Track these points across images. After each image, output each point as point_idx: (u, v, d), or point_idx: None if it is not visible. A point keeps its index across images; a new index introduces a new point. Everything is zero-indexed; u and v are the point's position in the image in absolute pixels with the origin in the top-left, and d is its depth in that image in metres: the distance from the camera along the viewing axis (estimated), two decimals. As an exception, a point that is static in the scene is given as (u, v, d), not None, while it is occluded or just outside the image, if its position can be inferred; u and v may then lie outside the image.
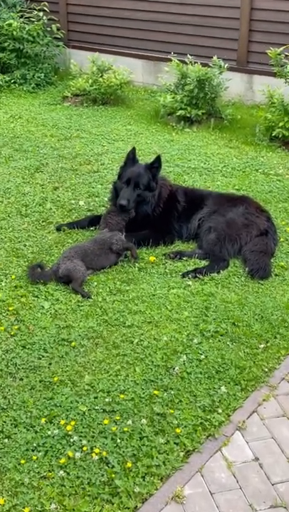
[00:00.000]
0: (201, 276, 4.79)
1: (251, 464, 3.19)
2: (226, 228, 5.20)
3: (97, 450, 3.18)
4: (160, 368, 3.81)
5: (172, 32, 9.97)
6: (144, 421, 3.37)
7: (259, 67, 9.14)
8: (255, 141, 7.86)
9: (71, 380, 3.68)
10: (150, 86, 10.31)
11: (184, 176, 6.72)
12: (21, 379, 3.70)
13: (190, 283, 4.71)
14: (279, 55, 7.69)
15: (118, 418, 3.40)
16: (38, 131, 8.14)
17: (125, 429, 3.31)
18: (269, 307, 4.46)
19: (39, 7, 10.40)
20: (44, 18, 10.35)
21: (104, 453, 3.17)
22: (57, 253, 5.04)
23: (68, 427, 3.30)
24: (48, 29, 10.53)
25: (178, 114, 8.38)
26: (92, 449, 3.20)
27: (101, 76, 9.28)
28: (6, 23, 10.04)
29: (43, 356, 3.89)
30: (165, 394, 3.59)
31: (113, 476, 3.05)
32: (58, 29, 10.61)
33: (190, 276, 4.79)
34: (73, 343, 3.99)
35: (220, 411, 3.49)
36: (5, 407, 3.48)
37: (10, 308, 4.32)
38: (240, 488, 3.04)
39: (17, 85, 10.08)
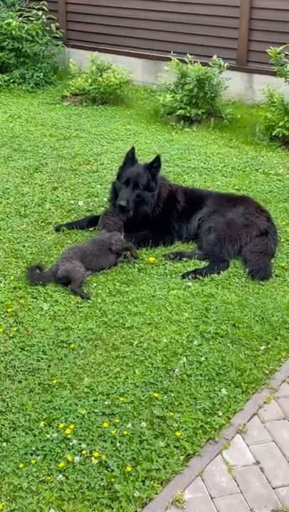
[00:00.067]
0: (201, 277, 4.76)
1: (252, 468, 3.16)
2: (226, 228, 5.17)
3: (96, 454, 3.15)
4: (160, 370, 3.78)
5: (172, 31, 9.94)
6: (143, 424, 3.34)
7: (259, 67, 9.11)
8: (255, 140, 7.83)
9: (70, 383, 3.65)
10: (150, 85, 10.28)
11: (184, 176, 6.69)
12: (20, 381, 3.67)
13: (190, 284, 4.68)
14: (279, 54, 7.66)
15: (118, 421, 3.37)
16: (37, 130, 8.11)
17: (125, 432, 3.28)
18: (270, 308, 4.43)
19: (38, 6, 10.37)
20: (43, 17, 10.32)
21: (103, 457, 3.14)
22: (56, 254, 5.01)
23: (67, 431, 3.27)
24: (47, 28, 10.50)
25: (178, 113, 8.36)
26: (91, 452, 3.17)
27: (100, 75, 9.25)
28: (5, 22, 10.01)
29: (41, 358, 3.86)
30: (165, 396, 3.56)
31: (113, 480, 3.02)
32: (57, 28, 10.58)
33: (190, 277, 4.76)
34: (72, 345, 3.96)
35: (220, 414, 3.46)
36: (3, 410, 3.45)
37: (8, 310, 4.29)
38: (241, 493, 3.01)
39: (16, 85, 10.06)
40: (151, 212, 5.28)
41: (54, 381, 3.65)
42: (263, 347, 4.04)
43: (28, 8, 10.70)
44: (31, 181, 6.47)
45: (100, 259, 4.79)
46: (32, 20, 10.36)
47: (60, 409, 3.44)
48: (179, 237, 5.37)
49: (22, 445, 3.22)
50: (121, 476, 3.05)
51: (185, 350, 3.96)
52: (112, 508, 2.90)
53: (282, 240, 5.38)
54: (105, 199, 5.91)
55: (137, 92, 10.05)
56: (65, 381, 3.66)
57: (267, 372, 3.83)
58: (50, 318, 4.24)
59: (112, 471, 3.07)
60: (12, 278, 4.67)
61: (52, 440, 3.23)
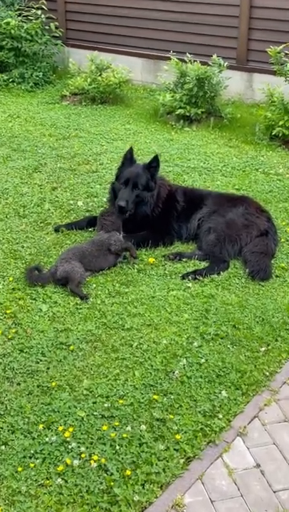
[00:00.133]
0: (201, 278, 4.73)
1: (252, 471, 3.13)
2: (226, 229, 5.14)
3: (95, 457, 3.12)
4: (160, 372, 3.75)
5: (171, 30, 9.91)
6: (143, 427, 3.32)
7: (259, 66, 9.08)
8: (255, 140, 7.81)
9: (69, 385, 3.62)
10: (149, 85, 10.25)
11: (184, 176, 6.66)
12: (19, 384, 3.64)
13: (190, 285, 4.65)
14: (279, 53, 7.63)
15: (117, 424, 3.34)
16: (37, 130, 8.08)
17: (124, 435, 3.25)
18: (270, 309, 4.40)
19: (37, 5, 10.34)
20: (42, 16, 10.29)
21: (102, 460, 3.11)
22: (55, 254, 4.98)
23: (66, 434, 3.24)
24: (47, 27, 10.47)
25: (177, 113, 8.33)
26: (90, 456, 3.14)
27: (100, 75, 9.22)
28: (4, 21, 9.98)
29: (40, 360, 3.83)
30: (165, 399, 3.53)
31: (112, 483, 2.99)
32: (57, 27, 10.55)
33: (190, 277, 4.73)
34: (71, 347, 3.93)
35: (220, 416, 3.43)
36: (2, 412, 3.42)
37: (7, 311, 4.27)
38: (242, 496, 2.99)
39: (15, 84, 10.03)
40: (150, 213, 5.25)
41: (53, 383, 3.62)
42: (263, 348, 4.02)
43: (27, 7, 10.67)
44: (30, 181, 6.45)
45: (99, 259, 4.77)
46: (31, 20, 10.33)
47: (59, 411, 3.41)
48: (178, 238, 5.35)
49: (21, 448, 3.19)
50: (120, 479, 3.02)
51: (185, 352, 3.93)
52: (112, 512, 2.88)
53: (282, 240, 5.35)
54: (104, 199, 5.88)
55: (137, 92, 10.02)
56: (64, 383, 3.63)
57: (267, 374, 3.81)
58: (49, 320, 4.21)
59: (112, 474, 3.04)
60: (11, 279, 4.64)
61: (51, 443, 3.21)
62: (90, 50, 10.06)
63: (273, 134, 7.67)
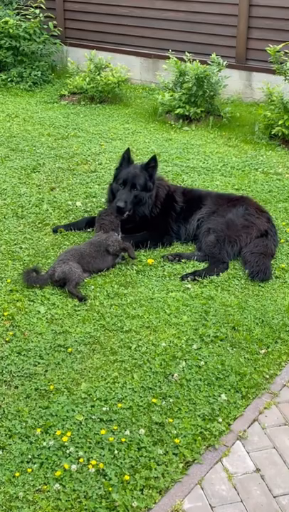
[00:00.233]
0: (200, 279, 4.70)
1: (252, 476, 3.10)
2: (226, 229, 5.10)
3: (93, 462, 3.08)
4: (158, 375, 3.71)
5: (170, 29, 9.88)
6: (142, 431, 3.28)
7: (258, 65, 9.05)
8: (254, 139, 7.78)
9: (67, 388, 3.59)
10: (148, 84, 10.22)
11: (183, 176, 6.62)
12: (16, 387, 3.60)
13: (189, 286, 4.62)
14: (278, 52, 7.59)
15: (115, 428, 3.30)
16: (35, 130, 8.04)
17: (123, 439, 3.22)
18: (270, 311, 4.36)
19: (36, 4, 10.31)
20: (41, 15, 10.26)
21: (101, 465, 3.07)
22: (53, 255, 4.94)
23: (64, 438, 3.20)
24: (45, 26, 10.44)
25: (176, 112, 8.30)
26: (88, 460, 3.10)
27: (98, 74, 9.18)
28: (2, 20, 9.95)
29: (38, 363, 3.79)
30: (164, 402, 3.50)
31: (110, 489, 2.96)
32: (55, 26, 10.51)
33: (189, 278, 4.70)
34: (70, 349, 3.90)
35: (220, 420, 3.40)
36: (-1, 416, 3.39)
37: (5, 313, 4.23)
38: (242, 501, 2.95)
39: (13, 84, 9.99)
40: (149, 213, 5.21)
41: (51, 386, 3.58)
42: (263, 350, 3.98)
43: (26, 6, 10.65)
44: (28, 181, 6.41)
45: (97, 260, 4.73)
46: (29, 19, 10.30)
47: (57, 415, 3.37)
48: (177, 238, 5.31)
49: (18, 453, 3.15)
50: (119, 484, 2.98)
51: (184, 354, 3.89)
52: (110, 518, 2.85)
53: (282, 240, 5.31)
54: (103, 200, 5.84)
55: (136, 91, 9.98)
56: (62, 386, 3.60)
57: (267, 376, 3.77)
58: (47, 322, 4.18)
59: (110, 479, 3.01)
60: (9, 281, 4.61)
61: (48, 448, 3.17)
62: (88, 49, 10.03)
63: (273, 133, 7.64)
